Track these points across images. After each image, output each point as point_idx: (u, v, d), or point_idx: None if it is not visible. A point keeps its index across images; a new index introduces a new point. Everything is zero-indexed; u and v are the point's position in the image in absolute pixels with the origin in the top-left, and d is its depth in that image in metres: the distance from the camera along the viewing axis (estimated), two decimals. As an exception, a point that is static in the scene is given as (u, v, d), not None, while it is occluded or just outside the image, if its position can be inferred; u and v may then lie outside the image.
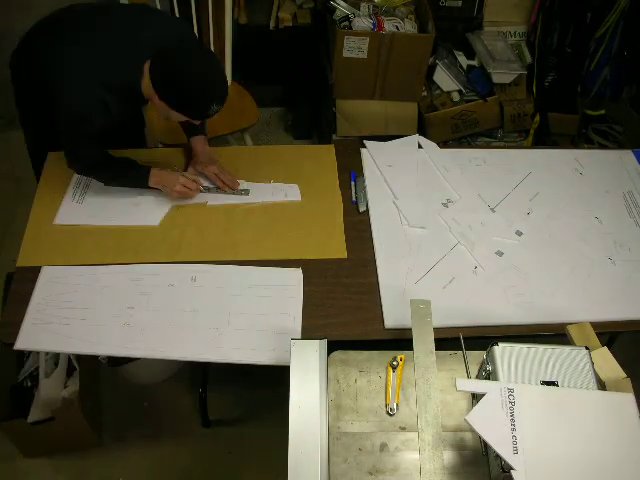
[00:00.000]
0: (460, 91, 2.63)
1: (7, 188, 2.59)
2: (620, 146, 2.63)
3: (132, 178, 1.65)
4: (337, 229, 1.61)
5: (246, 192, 1.69)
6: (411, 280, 1.50)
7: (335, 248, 1.56)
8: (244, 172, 1.75)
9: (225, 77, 1.48)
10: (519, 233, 1.62)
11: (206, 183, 1.71)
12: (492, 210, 1.67)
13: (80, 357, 1.85)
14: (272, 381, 1.98)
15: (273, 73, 2.87)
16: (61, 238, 1.56)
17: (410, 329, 1.20)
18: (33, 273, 1.48)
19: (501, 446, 0.98)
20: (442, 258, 1.56)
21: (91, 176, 1.66)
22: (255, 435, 1.95)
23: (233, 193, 1.69)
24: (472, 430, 1.03)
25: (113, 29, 1.48)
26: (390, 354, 1.29)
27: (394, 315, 1.42)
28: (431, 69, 2.60)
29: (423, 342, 1.18)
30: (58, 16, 1.56)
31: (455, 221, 1.63)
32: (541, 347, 1.12)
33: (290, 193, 1.69)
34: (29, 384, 1.82)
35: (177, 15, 2.21)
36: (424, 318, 1.23)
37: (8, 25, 3.43)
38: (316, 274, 1.51)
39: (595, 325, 1.22)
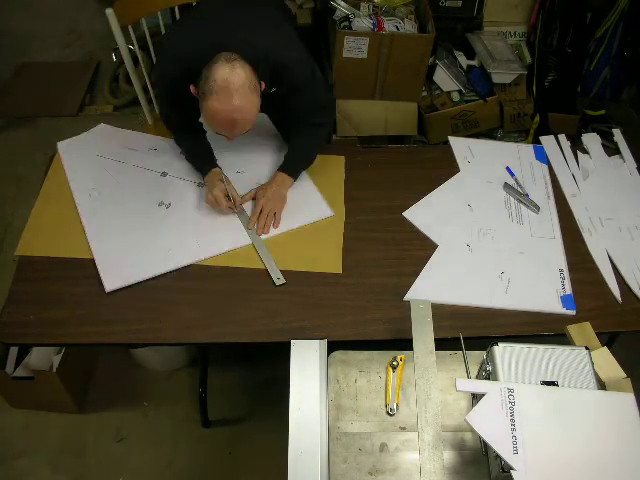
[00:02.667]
0: (460, 91, 2.63)
1: (8, 188, 2.59)
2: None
3: (195, 167, 1.71)
4: (335, 244, 1.57)
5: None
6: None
7: (331, 263, 1.53)
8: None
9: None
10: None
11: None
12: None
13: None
14: (272, 381, 2.00)
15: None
16: (63, 228, 1.57)
17: (410, 329, 1.20)
18: (33, 273, 1.48)
19: (501, 446, 0.98)
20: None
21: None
22: (255, 435, 1.95)
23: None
24: (472, 430, 1.03)
25: None
26: (390, 354, 1.29)
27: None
28: (431, 69, 2.60)
29: (423, 342, 1.18)
30: None
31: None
32: (541, 347, 1.12)
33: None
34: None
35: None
36: (424, 318, 1.23)
37: (8, 25, 3.45)
38: (316, 274, 1.51)
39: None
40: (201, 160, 1.69)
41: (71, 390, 1.92)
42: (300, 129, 1.70)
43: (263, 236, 1.58)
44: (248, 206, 1.65)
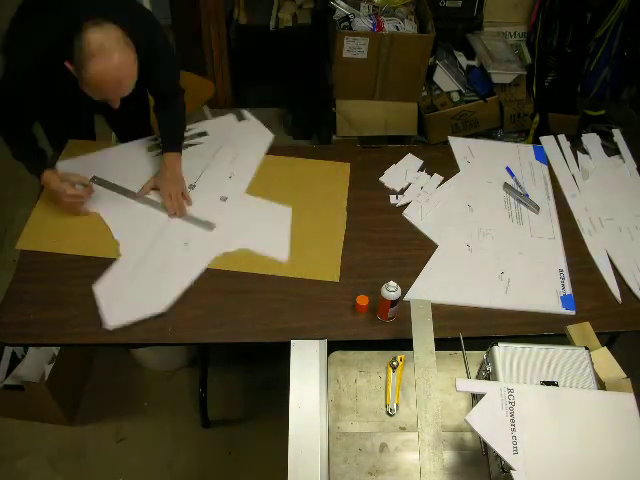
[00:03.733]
0: (460, 91, 2.63)
1: (7, 188, 2.59)
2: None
3: (30, 168, 1.63)
4: (334, 253, 1.56)
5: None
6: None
7: (328, 271, 1.52)
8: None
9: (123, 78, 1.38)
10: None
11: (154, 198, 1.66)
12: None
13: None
14: (272, 381, 1.99)
15: (273, 73, 2.87)
16: (65, 224, 1.57)
17: (410, 329, 1.21)
18: (33, 273, 1.48)
19: (501, 446, 0.98)
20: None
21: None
22: (255, 435, 1.95)
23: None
24: (472, 430, 1.03)
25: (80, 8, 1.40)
26: (390, 354, 1.29)
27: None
28: (431, 69, 2.60)
29: (423, 342, 1.18)
30: None
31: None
32: (541, 347, 1.12)
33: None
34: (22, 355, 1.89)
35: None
36: (424, 318, 1.23)
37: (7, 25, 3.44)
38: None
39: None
40: (36, 160, 1.62)
41: (61, 402, 1.89)
42: (164, 106, 1.70)
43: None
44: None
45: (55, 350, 1.87)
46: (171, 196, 1.62)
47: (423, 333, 1.20)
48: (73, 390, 2.02)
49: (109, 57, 1.31)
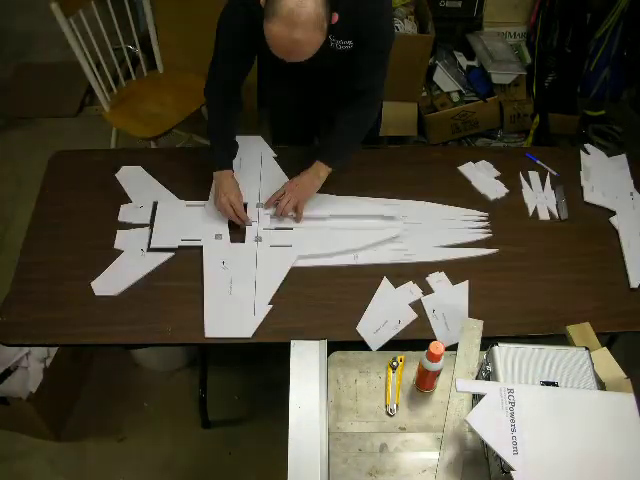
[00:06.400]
0: (460, 92, 2.63)
1: (7, 188, 2.59)
2: (620, 147, 2.63)
3: (214, 151, 1.56)
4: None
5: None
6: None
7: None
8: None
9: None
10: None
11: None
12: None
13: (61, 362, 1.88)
14: (272, 381, 1.99)
15: (273, 73, 2.87)
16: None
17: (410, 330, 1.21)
18: (32, 273, 1.48)
19: (501, 447, 0.98)
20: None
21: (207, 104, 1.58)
22: (255, 435, 1.95)
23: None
24: (472, 430, 1.03)
25: None
26: (390, 354, 1.29)
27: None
28: (431, 70, 2.60)
29: (467, 362, 1.19)
30: None
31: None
32: (541, 347, 1.12)
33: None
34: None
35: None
36: (473, 339, 1.23)
37: (9, 25, 3.45)
38: (316, 274, 1.51)
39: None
40: (224, 149, 1.57)
41: (48, 420, 1.86)
42: (349, 107, 1.54)
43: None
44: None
45: (47, 363, 1.84)
46: (283, 197, 1.54)
47: (469, 353, 1.20)
48: (64, 406, 1.98)
49: (290, 29, 1.19)
